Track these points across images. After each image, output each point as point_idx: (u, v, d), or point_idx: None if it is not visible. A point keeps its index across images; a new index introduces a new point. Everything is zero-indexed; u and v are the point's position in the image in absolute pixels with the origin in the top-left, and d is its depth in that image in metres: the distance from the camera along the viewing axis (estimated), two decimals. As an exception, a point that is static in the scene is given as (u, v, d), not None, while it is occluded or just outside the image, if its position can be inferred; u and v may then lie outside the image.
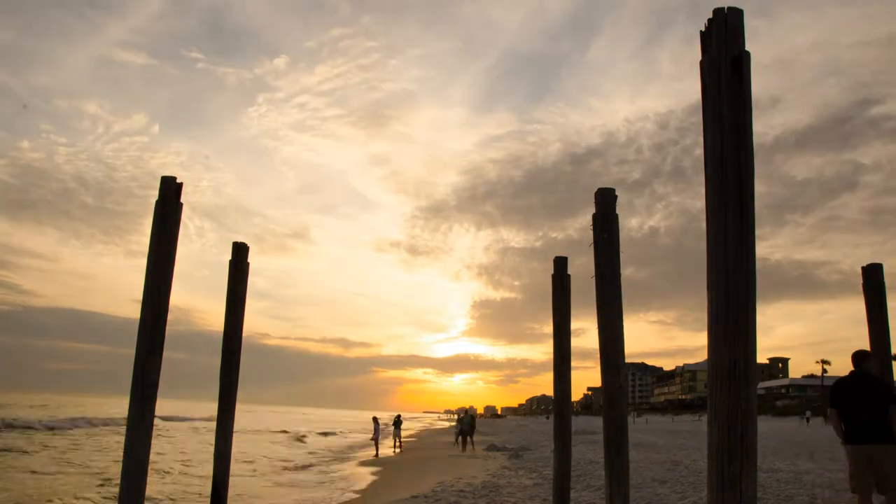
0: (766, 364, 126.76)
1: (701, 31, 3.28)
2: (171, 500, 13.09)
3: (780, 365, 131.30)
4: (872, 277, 7.84)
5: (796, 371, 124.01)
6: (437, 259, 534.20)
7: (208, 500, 8.17)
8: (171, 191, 6.21)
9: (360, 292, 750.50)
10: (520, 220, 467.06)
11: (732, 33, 3.17)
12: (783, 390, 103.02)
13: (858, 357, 6.36)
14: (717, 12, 3.21)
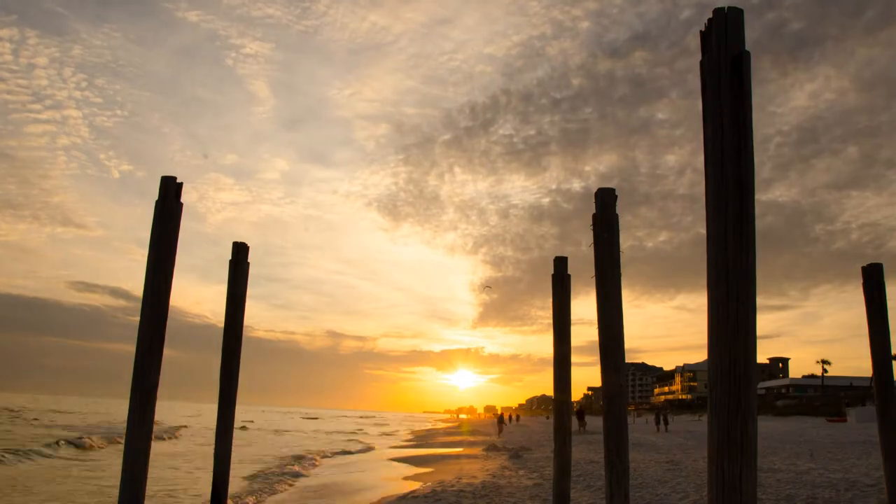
0: (766, 364, 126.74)
1: (701, 31, 3.29)
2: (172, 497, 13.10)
3: (781, 365, 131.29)
4: (872, 277, 7.84)
5: (796, 371, 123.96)
6: (425, 226, 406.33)
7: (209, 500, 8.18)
8: (170, 191, 6.24)
9: (341, 271, 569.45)
10: (527, 161, 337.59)
11: (732, 33, 3.18)
12: (783, 390, 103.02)
13: None
14: (717, 12, 3.21)
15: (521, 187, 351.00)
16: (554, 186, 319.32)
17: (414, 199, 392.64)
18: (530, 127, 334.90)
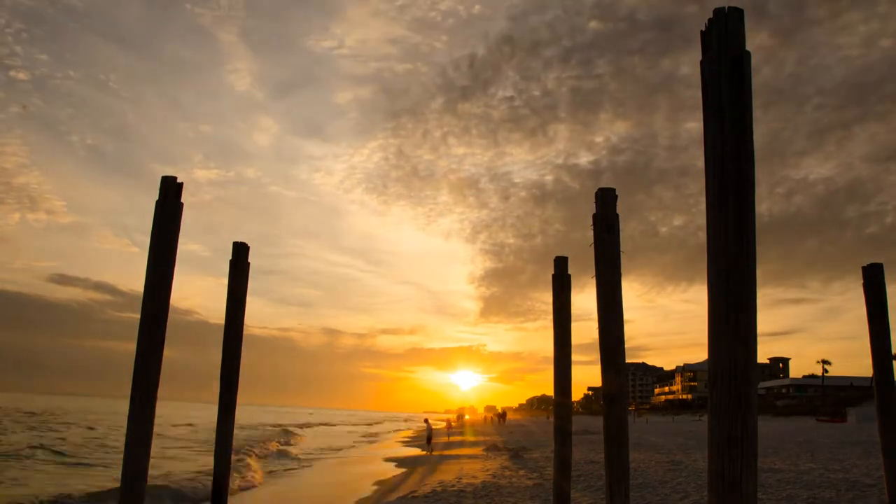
0: (766, 364, 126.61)
1: (701, 31, 3.28)
2: None
3: (781, 365, 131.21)
4: (872, 277, 7.84)
5: (797, 371, 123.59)
6: (418, 210, 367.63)
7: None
8: (171, 191, 6.24)
9: (331, 260, 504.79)
10: (530, 129, 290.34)
11: (733, 33, 3.18)
12: (783, 390, 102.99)
13: None
14: (718, 12, 3.21)
15: (524, 162, 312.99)
16: (560, 161, 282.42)
17: (406, 178, 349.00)
18: (535, 86, 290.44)
